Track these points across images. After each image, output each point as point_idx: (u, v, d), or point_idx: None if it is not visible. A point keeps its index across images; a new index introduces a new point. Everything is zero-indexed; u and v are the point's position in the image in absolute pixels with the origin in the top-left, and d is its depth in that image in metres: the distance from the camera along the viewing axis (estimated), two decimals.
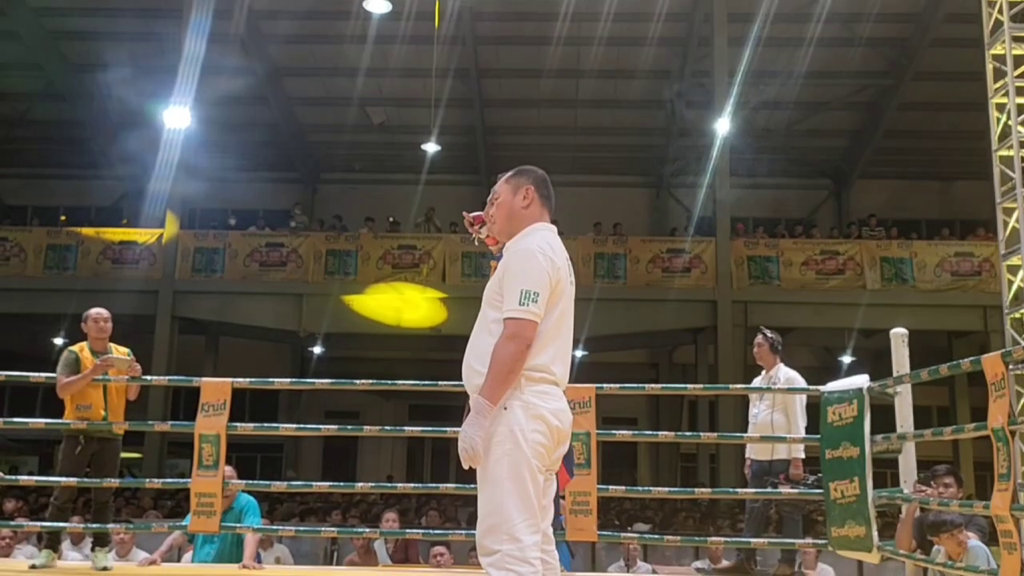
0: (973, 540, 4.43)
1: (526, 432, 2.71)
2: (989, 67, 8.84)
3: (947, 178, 19.70)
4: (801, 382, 5.95)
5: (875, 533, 4.76)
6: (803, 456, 5.87)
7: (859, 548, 4.91)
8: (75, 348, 5.30)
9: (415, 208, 18.01)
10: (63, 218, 19.18)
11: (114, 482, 5.35)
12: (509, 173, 3.09)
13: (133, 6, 16.35)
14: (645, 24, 15.72)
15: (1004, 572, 3.74)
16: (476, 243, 3.36)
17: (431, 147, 17.83)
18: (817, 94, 17.57)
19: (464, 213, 3.28)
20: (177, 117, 15.17)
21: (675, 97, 17.82)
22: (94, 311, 5.41)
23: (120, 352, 5.36)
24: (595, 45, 16.12)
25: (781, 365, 6.12)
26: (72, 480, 5.20)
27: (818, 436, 5.20)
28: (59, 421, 5.26)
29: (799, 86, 16.52)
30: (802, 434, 5.82)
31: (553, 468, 2.87)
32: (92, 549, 5.25)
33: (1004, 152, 8.62)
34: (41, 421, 5.30)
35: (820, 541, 5.46)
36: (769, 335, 6.20)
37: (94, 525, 5.26)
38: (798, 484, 5.74)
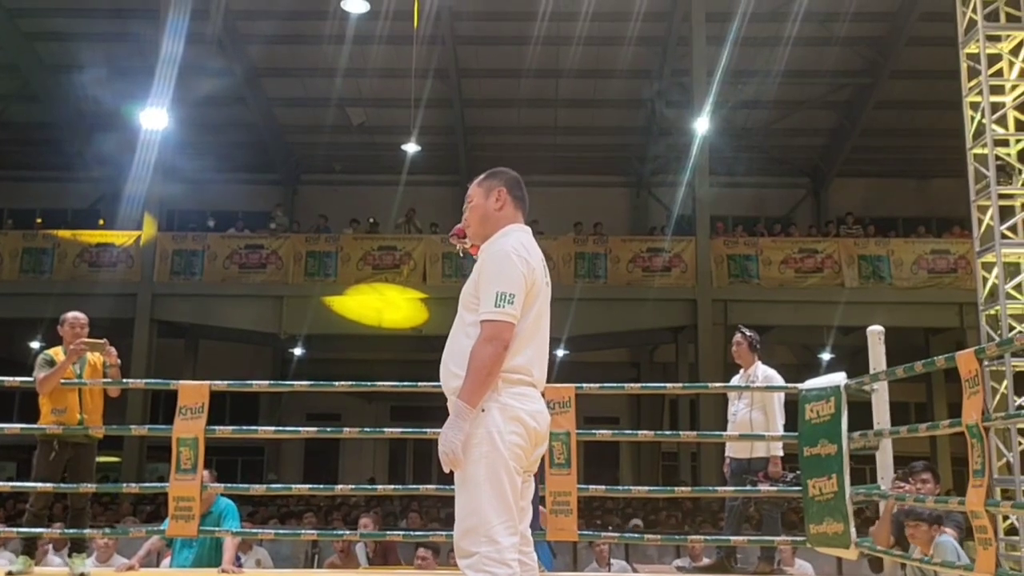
0: (942, 535, 4.46)
1: (503, 434, 2.71)
2: (963, 66, 8.91)
3: (924, 176, 19.87)
4: (779, 380, 5.98)
5: (853, 530, 4.79)
6: (782, 454, 5.91)
7: (837, 544, 4.94)
8: (51, 351, 5.26)
9: (395, 209, 17.98)
10: (39, 220, 19.00)
11: (91, 487, 5.30)
12: (482, 176, 3.09)
13: (109, 7, 16.23)
14: (624, 23, 15.77)
15: (980, 567, 3.78)
16: (461, 254, 3.36)
17: (411, 147, 17.80)
18: (795, 93, 17.68)
19: (451, 235, 3.30)
20: (154, 118, 15.07)
21: (655, 96, 17.89)
22: (71, 315, 5.37)
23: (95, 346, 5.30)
24: (574, 45, 16.15)
25: (759, 363, 6.15)
26: (48, 486, 5.15)
27: (796, 434, 5.23)
28: (35, 426, 5.20)
29: (777, 85, 16.63)
30: (781, 432, 5.85)
31: (531, 469, 2.88)
32: (69, 555, 5.21)
33: (978, 150, 8.69)
34: (17, 426, 5.25)
35: (798, 538, 5.50)
36: (748, 334, 6.23)
37: (71, 531, 5.21)
38: (777, 482, 5.77)
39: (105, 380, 5.33)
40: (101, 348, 5.26)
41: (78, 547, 5.22)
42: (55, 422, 5.16)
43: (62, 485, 5.18)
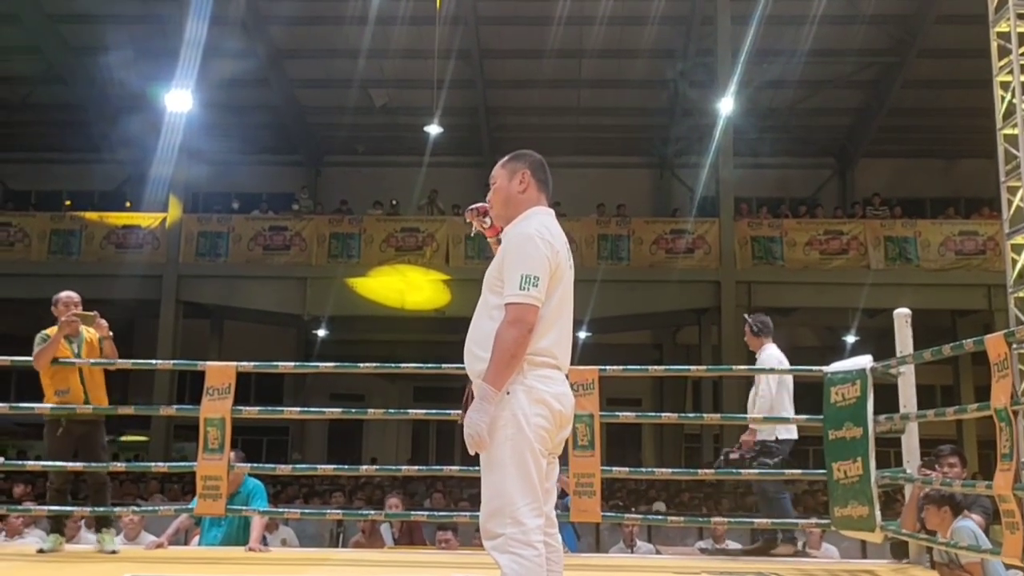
0: (962, 520, 4.44)
1: (529, 416, 2.72)
2: (993, 44, 8.78)
3: (952, 156, 19.61)
4: (775, 361, 5.91)
5: (878, 513, 4.77)
6: (769, 437, 5.84)
7: (862, 528, 4.93)
8: (47, 331, 5.33)
9: (418, 190, 17.99)
10: (67, 203, 19.18)
11: (120, 465, 5.37)
12: (505, 158, 3.08)
13: None
14: (648, 3, 15.66)
15: (1007, 551, 3.76)
16: (472, 232, 3.35)
17: (434, 129, 17.76)
18: (821, 72, 17.47)
19: (469, 208, 3.27)
20: (179, 100, 15.16)
21: (678, 76, 17.75)
22: (64, 294, 5.44)
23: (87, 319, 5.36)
24: (597, 24, 16.04)
25: (767, 347, 6.09)
26: (63, 464, 5.23)
27: (821, 416, 5.21)
28: (64, 407, 5.28)
29: (803, 64, 16.43)
30: (785, 411, 5.79)
31: (556, 451, 2.89)
32: (97, 531, 5.28)
33: (1008, 131, 8.58)
34: (47, 406, 5.32)
35: (823, 521, 5.48)
36: (748, 319, 6.20)
37: (100, 508, 5.28)
38: (743, 453, 5.78)
39: (102, 360, 5.38)
40: (92, 320, 5.34)
41: (105, 523, 5.29)
42: (60, 403, 5.24)
43: (77, 464, 5.25)
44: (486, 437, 2.70)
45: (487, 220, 3.19)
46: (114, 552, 5.16)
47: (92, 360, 5.36)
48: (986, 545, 4.29)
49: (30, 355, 5.30)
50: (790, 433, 5.90)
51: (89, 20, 16.79)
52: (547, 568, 2.72)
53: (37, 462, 5.50)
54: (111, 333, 5.41)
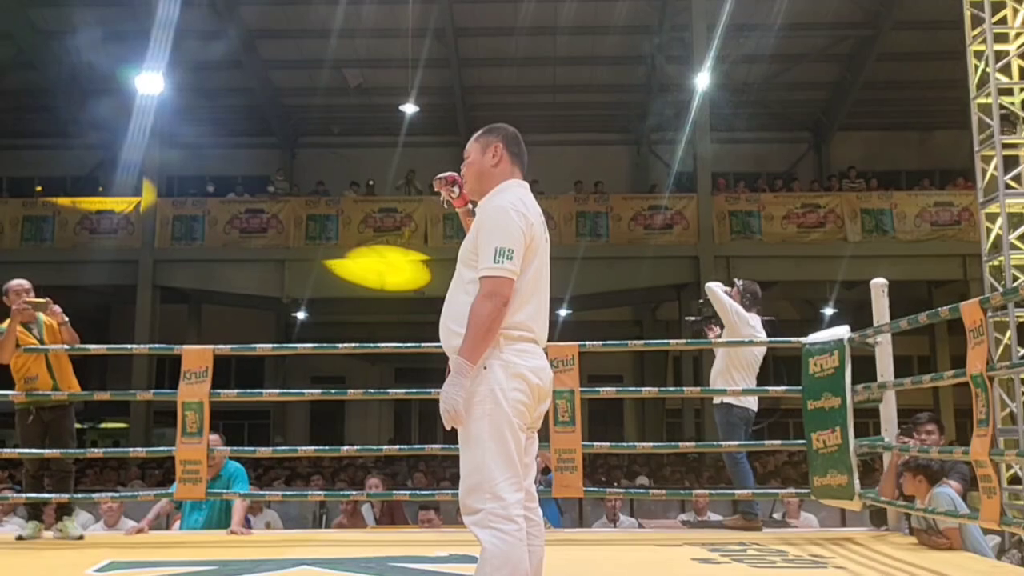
0: (939, 487, 4.49)
1: (506, 391, 2.70)
2: (967, 14, 8.78)
3: (926, 128, 19.71)
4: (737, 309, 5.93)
5: (857, 481, 4.82)
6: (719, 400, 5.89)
7: (841, 496, 4.98)
8: (2, 325, 5.26)
9: (394, 170, 17.90)
10: (39, 188, 18.95)
11: (98, 452, 5.33)
12: (479, 132, 3.05)
13: None
14: None
15: (984, 515, 3.80)
16: (444, 205, 3.33)
17: (409, 108, 17.66)
18: (796, 46, 17.48)
19: (437, 177, 3.24)
20: (151, 83, 14.96)
21: (655, 52, 17.71)
22: (15, 283, 5.36)
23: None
24: (571, 0, 15.95)
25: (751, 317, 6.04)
26: (38, 452, 5.19)
27: (800, 387, 5.24)
28: (36, 393, 5.22)
29: (778, 38, 16.43)
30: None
31: (535, 426, 2.88)
32: (58, 519, 5.22)
33: (982, 100, 8.60)
34: (21, 394, 5.25)
35: (803, 491, 5.52)
36: (738, 286, 6.14)
37: (64, 496, 5.22)
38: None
39: (67, 346, 5.32)
40: (45, 307, 5.28)
41: (66, 511, 5.23)
42: (27, 390, 5.20)
43: (55, 451, 5.20)
44: (462, 411, 2.68)
45: (455, 190, 3.18)
46: (80, 538, 5.11)
47: (58, 346, 5.30)
48: (964, 511, 4.33)
49: None
50: (745, 403, 5.86)
51: (59, 3, 16.51)
52: (528, 543, 2.71)
53: (12, 450, 5.44)
54: (66, 319, 5.34)
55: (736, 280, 6.19)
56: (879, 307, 5.05)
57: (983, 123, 8.59)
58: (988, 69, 8.44)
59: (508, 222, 2.77)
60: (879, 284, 5.09)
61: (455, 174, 3.18)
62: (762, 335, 5.88)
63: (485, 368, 2.72)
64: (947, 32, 14.02)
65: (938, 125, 19.12)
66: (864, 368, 5.15)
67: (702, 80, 15.42)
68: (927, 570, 3.98)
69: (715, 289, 5.94)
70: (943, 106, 17.79)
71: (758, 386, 5.93)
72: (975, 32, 8.68)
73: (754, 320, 5.92)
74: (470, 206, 3.14)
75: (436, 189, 3.24)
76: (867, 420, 5.87)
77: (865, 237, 15.53)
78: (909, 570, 4.02)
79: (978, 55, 8.66)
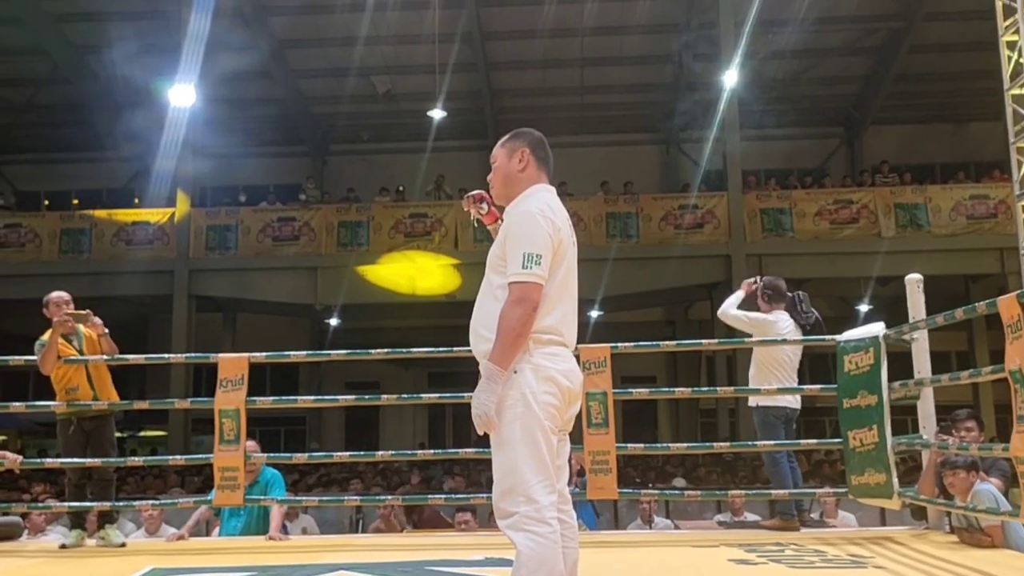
0: (982, 483, 4.43)
1: (537, 394, 2.71)
2: (999, 4, 8.68)
3: (960, 120, 19.44)
4: (767, 324, 5.86)
5: (895, 480, 4.76)
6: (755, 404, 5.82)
7: (879, 495, 4.92)
8: (44, 336, 5.36)
9: (423, 176, 17.98)
10: (75, 201, 19.26)
11: (137, 460, 5.41)
12: (505, 137, 3.07)
13: None
14: None
15: None
16: (475, 224, 3.34)
17: (438, 114, 17.72)
18: (826, 40, 17.32)
19: (465, 196, 3.26)
20: (183, 95, 15.16)
21: (682, 50, 17.63)
22: (55, 295, 5.46)
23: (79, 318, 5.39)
24: (597, 1, 15.93)
25: (777, 313, 5.98)
26: (80, 461, 5.29)
27: (835, 385, 5.19)
28: (78, 403, 5.32)
29: (807, 33, 16.28)
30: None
31: (566, 428, 2.89)
32: (100, 527, 5.29)
33: (1016, 91, 8.49)
34: (62, 404, 5.35)
35: (840, 490, 5.47)
36: (759, 283, 6.07)
37: (106, 504, 5.31)
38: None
39: (103, 356, 5.41)
40: (85, 319, 5.36)
41: (108, 518, 5.32)
42: (68, 400, 5.29)
43: (96, 460, 5.29)
44: (493, 416, 2.70)
45: (484, 207, 3.20)
46: (122, 545, 5.20)
47: (99, 356, 5.39)
48: (1005, 508, 4.27)
49: None
50: (781, 402, 5.79)
51: (91, 18, 16.77)
52: (562, 544, 2.72)
53: (56, 459, 5.55)
54: (106, 330, 5.44)
55: (758, 279, 6.15)
56: (915, 303, 5.00)
57: (1018, 115, 8.48)
58: (1021, 60, 8.32)
59: (535, 227, 2.78)
60: (914, 280, 5.04)
61: (482, 192, 3.20)
62: (789, 329, 5.83)
63: (515, 372, 2.73)
64: (979, 23, 13.80)
65: (972, 117, 18.85)
66: (901, 365, 5.10)
67: (730, 77, 15.33)
68: (970, 569, 3.93)
69: (726, 311, 5.92)
70: (977, 97, 17.54)
71: (800, 384, 5.86)
72: (1008, 22, 8.57)
73: (776, 315, 5.88)
74: (500, 222, 3.15)
75: (465, 209, 3.26)
76: (905, 417, 5.79)
77: (899, 232, 15.35)
78: (952, 569, 3.97)
79: (1011, 46, 8.55)
